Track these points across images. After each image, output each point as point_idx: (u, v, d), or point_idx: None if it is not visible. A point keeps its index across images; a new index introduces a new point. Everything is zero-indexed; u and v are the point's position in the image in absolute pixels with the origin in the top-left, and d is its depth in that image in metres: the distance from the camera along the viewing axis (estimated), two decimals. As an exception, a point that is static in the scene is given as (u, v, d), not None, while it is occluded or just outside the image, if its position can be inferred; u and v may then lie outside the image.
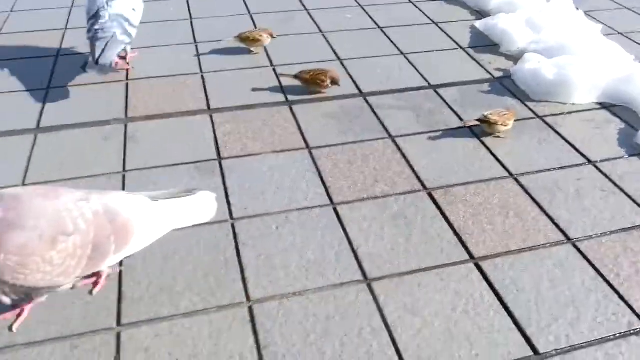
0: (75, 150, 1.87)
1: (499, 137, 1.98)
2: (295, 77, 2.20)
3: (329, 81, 2.16)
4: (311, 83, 2.17)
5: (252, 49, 2.50)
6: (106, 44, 2.09)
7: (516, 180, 1.78)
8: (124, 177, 1.75)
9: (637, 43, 2.73)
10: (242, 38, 2.47)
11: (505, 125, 1.97)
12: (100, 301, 1.31)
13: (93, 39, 2.12)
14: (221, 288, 1.36)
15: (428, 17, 2.91)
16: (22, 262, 1.05)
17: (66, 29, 2.73)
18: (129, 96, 2.19)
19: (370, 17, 2.89)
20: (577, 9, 2.90)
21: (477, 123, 1.97)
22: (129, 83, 2.28)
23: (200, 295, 1.33)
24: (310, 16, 2.88)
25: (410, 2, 3.10)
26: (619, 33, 2.84)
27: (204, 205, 1.38)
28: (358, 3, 3.05)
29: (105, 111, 2.08)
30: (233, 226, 1.55)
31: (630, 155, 1.93)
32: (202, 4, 2.99)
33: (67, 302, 1.30)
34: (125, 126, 2.01)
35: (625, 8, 3.15)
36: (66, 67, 2.37)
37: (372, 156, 1.86)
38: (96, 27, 2.12)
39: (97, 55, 2.07)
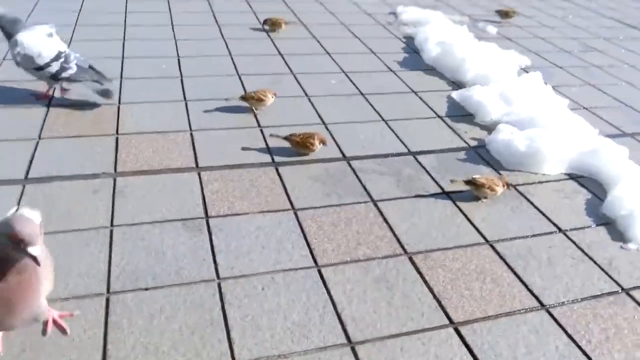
0: (64, 203, 1.89)
1: (485, 199, 2.09)
2: (286, 138, 2.29)
3: (318, 144, 2.25)
4: (301, 145, 2.26)
5: (255, 108, 2.61)
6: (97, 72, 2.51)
7: (492, 246, 1.86)
8: (111, 232, 1.77)
9: (600, 118, 2.92)
10: (246, 97, 2.58)
11: (492, 190, 2.07)
12: None
13: (79, 73, 2.46)
14: (207, 348, 1.38)
15: (408, 86, 3.07)
16: None
17: (57, 81, 2.79)
18: (118, 150, 2.23)
19: (354, 84, 3.03)
20: (546, 83, 3.11)
21: (465, 185, 2.09)
22: (119, 137, 2.33)
23: (185, 356, 1.35)
24: (297, 80, 3.01)
25: (391, 70, 3.27)
26: (584, 108, 3.04)
27: None
28: (342, 70, 3.20)
29: (95, 164, 2.12)
30: (219, 285, 1.58)
31: (597, 225, 2.05)
32: (193, 63, 3.10)
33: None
34: (114, 180, 2.04)
35: (589, 84, 3.38)
36: (57, 117, 2.42)
37: (354, 219, 1.93)
38: (70, 64, 2.44)
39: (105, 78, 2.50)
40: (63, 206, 1.87)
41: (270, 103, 2.61)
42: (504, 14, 4.46)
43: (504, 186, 2.09)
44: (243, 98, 2.59)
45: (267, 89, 2.64)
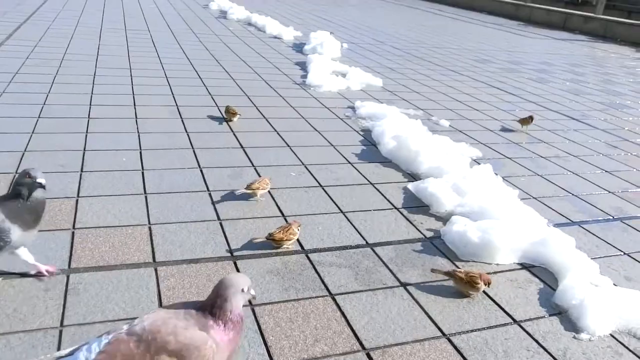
0: (11, 302, 1.83)
1: (469, 296, 2.14)
2: (267, 238, 2.31)
3: (297, 232, 2.33)
4: (285, 240, 2.30)
5: (258, 196, 2.72)
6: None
7: (449, 340, 1.87)
8: (60, 332, 1.71)
9: (549, 207, 3.06)
10: (251, 188, 2.68)
11: (474, 288, 2.11)
12: None
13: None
14: None
15: (366, 178, 3.17)
16: None
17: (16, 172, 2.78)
18: (74, 245, 2.20)
19: (313, 176, 3.12)
20: (496, 174, 3.27)
21: (445, 276, 2.17)
22: (75, 231, 2.30)
23: None
24: (257, 173, 3.08)
25: (350, 163, 3.38)
26: (533, 197, 3.19)
27: None
28: (302, 162, 3.30)
29: (48, 260, 2.07)
30: (172, 389, 1.52)
31: (551, 315, 2.09)
32: (155, 156, 3.14)
33: None
34: (68, 277, 2.00)
35: (537, 175, 3.56)
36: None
37: (312, 314, 1.92)
38: None
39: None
40: (10, 305, 1.81)
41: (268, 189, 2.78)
42: (524, 122, 4.48)
43: (486, 284, 2.13)
44: (248, 188, 2.69)
45: (264, 178, 2.78)
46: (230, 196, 2.75)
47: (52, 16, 7.65)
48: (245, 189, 2.69)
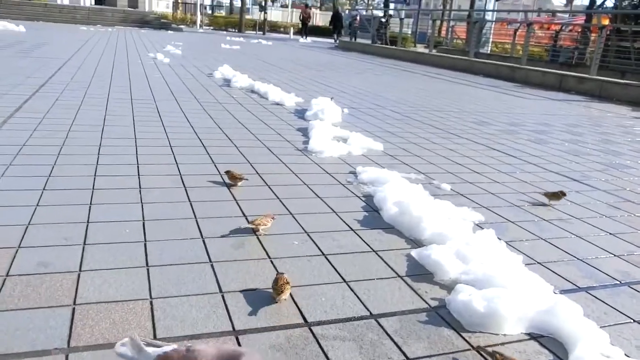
0: (8, 386, 1.79)
1: None
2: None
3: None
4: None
5: (261, 232, 3.14)
6: None
7: (458, 418, 1.81)
8: (57, 418, 1.66)
9: (554, 272, 3.03)
10: (254, 223, 3.11)
11: None
12: None
13: None
14: None
15: (368, 245, 3.17)
16: None
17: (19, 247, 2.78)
18: (74, 322, 2.17)
19: (316, 244, 3.11)
20: (500, 239, 3.26)
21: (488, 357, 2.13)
22: (76, 307, 2.28)
23: None
24: (260, 241, 3.08)
25: (352, 230, 3.39)
26: (538, 263, 3.16)
27: None
28: (304, 230, 3.31)
29: (47, 339, 2.04)
30: None
31: (563, 389, 2.03)
32: (158, 227, 3.15)
33: None
34: (67, 357, 1.96)
35: (541, 239, 3.55)
36: (13, 288, 2.37)
37: (317, 392, 1.87)
38: None
39: None
40: (7, 389, 1.77)
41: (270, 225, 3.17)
42: (553, 196, 4.28)
43: None
44: (251, 224, 3.13)
45: (267, 215, 3.22)
46: (234, 267, 2.73)
47: (61, 88, 7.89)
48: (249, 223, 3.08)
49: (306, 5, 45.19)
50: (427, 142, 6.30)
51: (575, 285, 2.91)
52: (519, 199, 4.39)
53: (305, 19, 39.01)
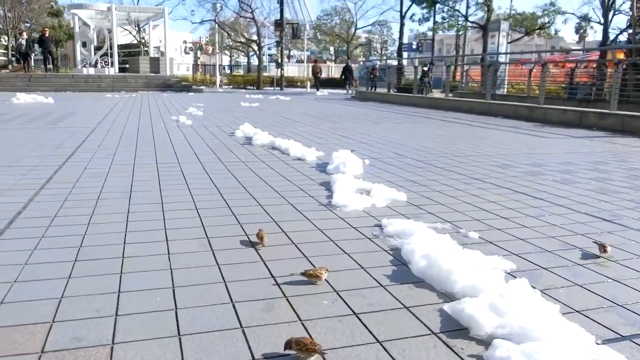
0: None
1: None
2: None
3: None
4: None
5: (318, 282, 3.32)
6: None
7: None
8: None
9: (594, 321, 2.93)
10: (308, 274, 3.31)
11: None
12: None
13: None
14: None
15: (399, 302, 3.12)
16: None
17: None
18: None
19: (346, 303, 3.08)
20: (534, 287, 3.18)
21: None
22: (109, 383, 2.28)
23: None
24: (290, 304, 3.06)
25: (381, 285, 3.35)
26: (576, 311, 3.06)
27: None
28: (333, 288, 3.28)
29: (82, 418, 2.04)
30: None
31: None
32: (187, 293, 3.17)
33: None
34: None
35: (577, 285, 3.45)
36: (47, 367, 2.39)
37: None
38: None
39: None
40: None
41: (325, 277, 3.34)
42: (603, 249, 4.02)
43: None
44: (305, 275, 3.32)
45: (323, 268, 3.39)
46: (265, 332, 2.71)
47: (89, 156, 8.14)
48: (301, 273, 3.33)
49: (315, 60, 48.35)
50: (451, 189, 6.27)
51: (618, 334, 2.81)
52: (550, 243, 4.31)
53: (316, 72, 41.82)
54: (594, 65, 25.40)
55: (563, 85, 24.92)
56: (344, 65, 43.54)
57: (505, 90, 26.92)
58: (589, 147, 10.71)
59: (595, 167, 8.17)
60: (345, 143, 10.18)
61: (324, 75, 51.25)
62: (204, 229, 4.48)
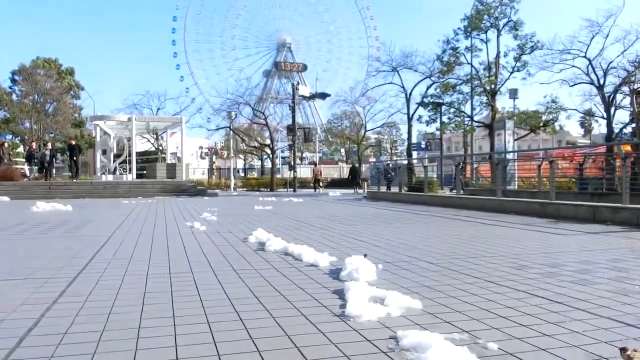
0: None
1: None
2: None
3: None
4: None
5: None
6: None
7: None
8: None
9: None
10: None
11: None
12: None
13: None
14: None
15: None
16: None
17: None
18: None
19: None
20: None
21: None
22: None
23: None
24: None
25: (398, 407, 3.21)
26: None
27: None
28: (348, 412, 3.15)
29: None
30: None
31: None
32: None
33: None
34: None
35: (605, 402, 3.28)
36: None
37: None
38: None
39: None
40: None
41: None
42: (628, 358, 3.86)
43: None
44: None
45: None
46: None
47: (103, 267, 8.19)
48: None
49: (315, 164, 57.59)
50: (467, 294, 6.16)
51: None
52: (574, 354, 4.14)
53: (316, 175, 50.25)
54: (602, 159, 25.71)
55: (573, 179, 25.12)
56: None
57: (516, 185, 27.13)
58: (606, 243, 10.57)
59: (614, 265, 8.01)
60: (358, 247, 10.17)
61: (335, 176, 57.68)
62: (215, 345, 4.39)
